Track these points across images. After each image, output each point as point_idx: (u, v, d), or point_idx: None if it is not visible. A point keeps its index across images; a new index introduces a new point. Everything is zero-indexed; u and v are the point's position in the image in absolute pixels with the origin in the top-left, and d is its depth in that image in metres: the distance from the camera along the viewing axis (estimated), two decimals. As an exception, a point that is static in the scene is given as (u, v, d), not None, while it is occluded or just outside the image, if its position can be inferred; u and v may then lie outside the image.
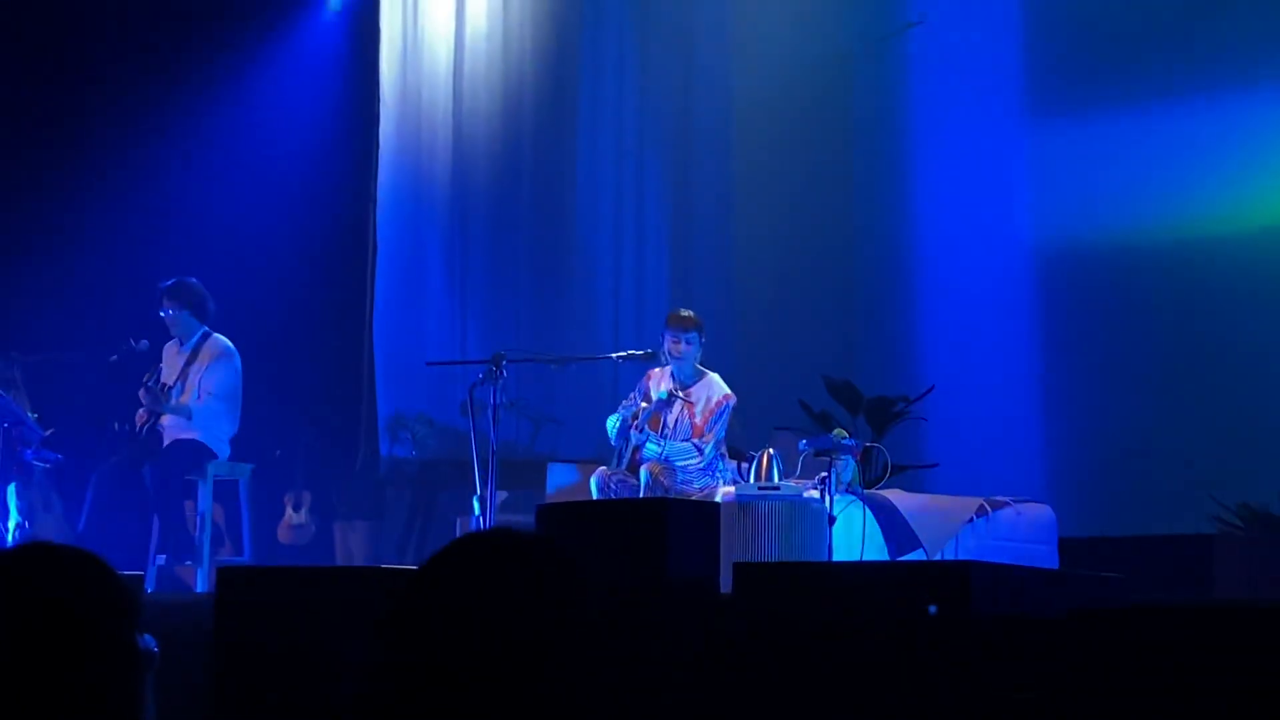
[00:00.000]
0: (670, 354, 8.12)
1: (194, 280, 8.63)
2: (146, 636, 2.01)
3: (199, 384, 8.41)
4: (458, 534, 9.34)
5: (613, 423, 8.22)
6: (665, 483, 7.77)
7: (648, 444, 7.97)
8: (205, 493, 8.40)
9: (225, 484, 8.65)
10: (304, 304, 11.43)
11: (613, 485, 7.91)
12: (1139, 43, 9.39)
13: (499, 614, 1.81)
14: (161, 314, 8.55)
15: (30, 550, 1.99)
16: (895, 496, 7.55)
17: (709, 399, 8.10)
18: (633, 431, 8.05)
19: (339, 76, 11.85)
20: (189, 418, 8.34)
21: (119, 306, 10.91)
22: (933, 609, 4.66)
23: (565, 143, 11.21)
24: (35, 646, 1.89)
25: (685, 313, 8.27)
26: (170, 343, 8.65)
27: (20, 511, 8.62)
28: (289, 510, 10.66)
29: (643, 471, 7.86)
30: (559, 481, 8.70)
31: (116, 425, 8.83)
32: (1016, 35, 9.89)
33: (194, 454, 8.36)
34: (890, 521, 7.35)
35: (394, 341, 11.23)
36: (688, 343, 8.10)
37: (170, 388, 8.39)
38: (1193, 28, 9.22)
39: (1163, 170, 9.32)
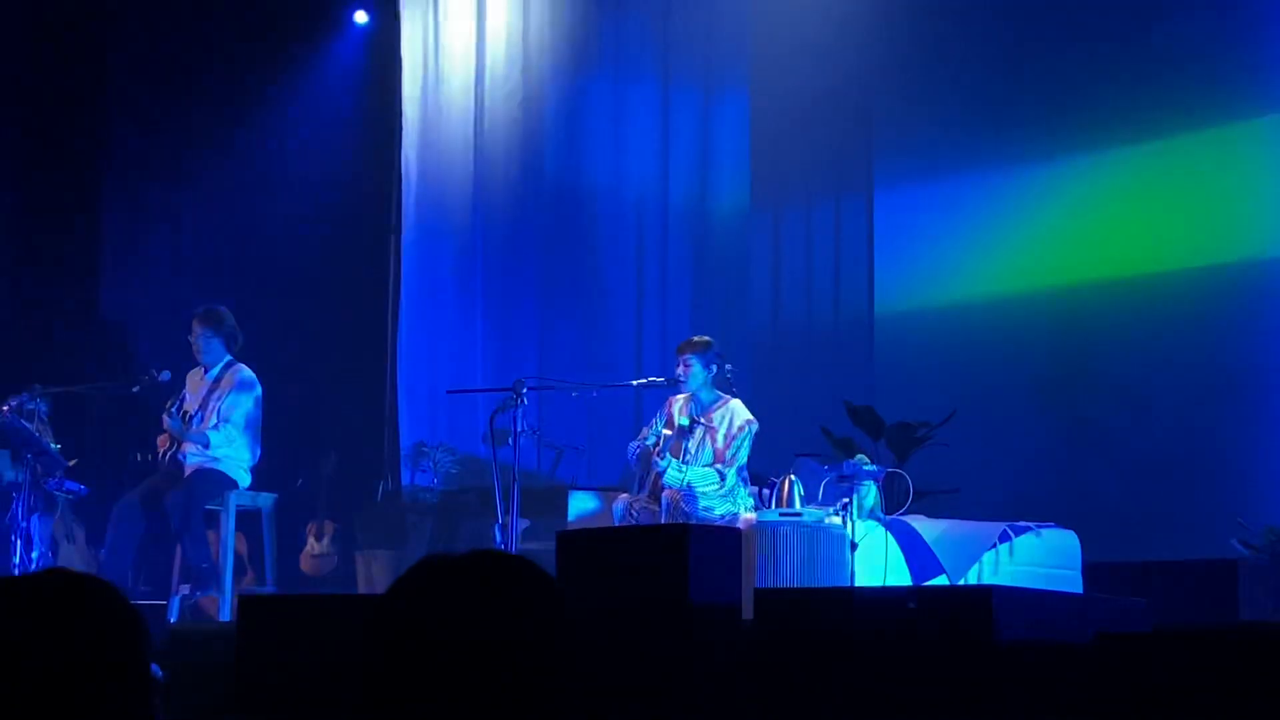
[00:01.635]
0: (678, 379, 8.20)
1: (225, 309, 8.65)
2: (153, 665, 2.02)
3: (218, 412, 8.44)
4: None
5: (634, 449, 8.23)
6: (686, 509, 7.77)
7: (670, 470, 7.97)
8: (228, 522, 8.41)
9: (248, 513, 8.66)
10: (326, 332, 11.46)
11: (634, 512, 7.91)
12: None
13: (467, 634, 1.79)
14: (190, 339, 8.58)
15: (43, 578, 2.00)
16: (918, 522, 7.53)
17: (731, 425, 8.10)
18: (655, 458, 8.06)
19: (361, 104, 11.90)
20: (206, 445, 8.35)
21: (141, 338, 10.95)
22: (911, 604, 4.65)
23: (586, 167, 11.22)
24: (47, 673, 1.90)
25: (692, 338, 8.35)
26: (194, 370, 8.68)
27: (43, 542, 8.64)
28: (311, 540, 10.66)
29: (664, 498, 7.86)
30: (580, 509, 8.69)
31: (138, 456, 8.85)
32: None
33: (216, 483, 8.37)
34: (913, 547, 7.33)
35: (415, 370, 11.25)
36: (686, 365, 8.16)
37: (192, 416, 8.41)
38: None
39: (1177, 200, 9.30)
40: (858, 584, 6.88)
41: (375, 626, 1.84)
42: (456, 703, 1.77)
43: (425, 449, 10.86)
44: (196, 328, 8.55)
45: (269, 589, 8.69)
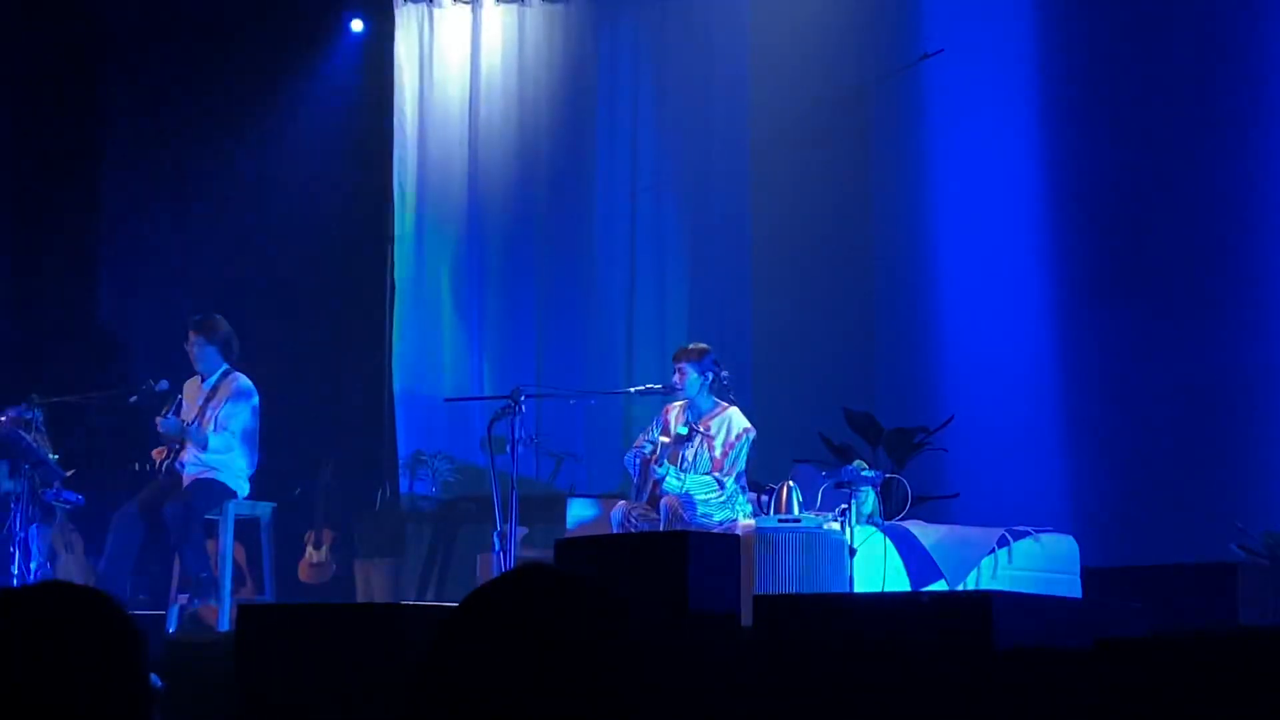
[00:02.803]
0: (675, 386, 8.21)
1: (220, 317, 8.66)
2: (151, 675, 2.02)
3: (216, 420, 8.44)
4: (478, 570, 9.33)
5: (631, 457, 8.24)
6: (685, 516, 7.77)
7: (668, 478, 7.97)
8: (226, 532, 8.40)
9: (246, 523, 8.66)
10: (324, 341, 11.46)
11: (633, 519, 7.91)
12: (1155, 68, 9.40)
13: (546, 655, 1.79)
14: (186, 347, 8.58)
15: (40, 589, 2.01)
16: (916, 528, 7.53)
17: (728, 432, 8.10)
18: (653, 465, 8.06)
19: (357, 113, 11.89)
20: (204, 446, 8.34)
21: (139, 348, 10.95)
22: (924, 598, 4.64)
23: (582, 177, 11.23)
24: (46, 685, 1.90)
25: (687, 345, 8.36)
26: (191, 380, 8.68)
27: (41, 552, 8.63)
28: (310, 549, 10.66)
29: (662, 505, 7.86)
30: (579, 516, 8.69)
31: (136, 466, 8.85)
32: (1031, 63, 9.89)
33: (214, 493, 8.37)
34: (911, 553, 7.33)
35: (413, 379, 11.24)
36: (681, 373, 8.17)
37: (189, 424, 8.41)
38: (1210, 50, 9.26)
39: (1179, 198, 9.31)
40: (856, 590, 6.88)
41: (449, 643, 1.82)
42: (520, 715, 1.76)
43: (424, 457, 10.86)
44: (191, 336, 8.56)
45: (267, 598, 8.68)
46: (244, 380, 8.59)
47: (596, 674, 1.79)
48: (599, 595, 1.85)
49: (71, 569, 9.31)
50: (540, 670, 1.77)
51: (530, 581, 1.86)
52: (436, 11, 11.60)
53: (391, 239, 11.47)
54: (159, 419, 8.37)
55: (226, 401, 8.49)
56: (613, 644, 1.82)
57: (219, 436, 8.38)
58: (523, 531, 8.62)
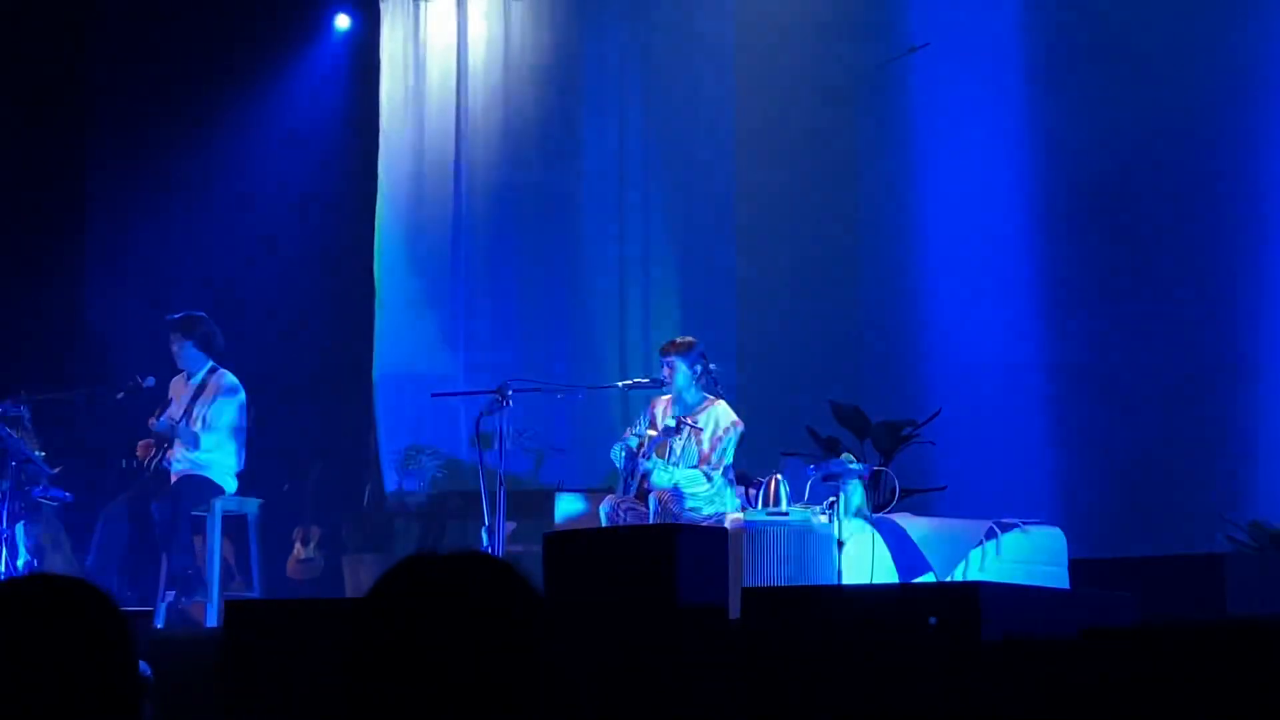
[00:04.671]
0: (663, 380, 8.21)
1: (203, 314, 8.67)
2: (141, 663, 2.02)
3: (204, 418, 8.43)
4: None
5: (618, 450, 8.23)
6: (674, 509, 7.77)
7: (656, 471, 7.97)
8: (213, 528, 8.39)
9: (233, 519, 8.65)
10: (310, 338, 11.44)
11: (622, 513, 7.91)
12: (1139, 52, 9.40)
13: (447, 636, 1.78)
14: (170, 347, 8.58)
15: (25, 581, 2.01)
16: (904, 520, 7.53)
17: (716, 426, 8.10)
18: (641, 459, 8.06)
19: (343, 110, 11.87)
20: (195, 445, 8.34)
21: (125, 345, 10.92)
22: (933, 620, 4.65)
23: (568, 171, 11.22)
24: (34, 674, 1.90)
25: (675, 339, 8.36)
26: (177, 377, 8.67)
27: (28, 550, 8.62)
28: (297, 545, 10.65)
29: (651, 499, 7.86)
30: (567, 511, 8.69)
31: (124, 463, 8.84)
32: (1018, 57, 9.90)
33: (202, 489, 8.37)
34: (899, 545, 7.33)
35: (400, 374, 11.23)
36: (669, 367, 8.18)
37: (177, 422, 8.41)
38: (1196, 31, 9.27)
39: (1165, 191, 9.32)
40: (845, 582, 6.88)
41: (358, 627, 1.83)
42: (438, 705, 1.76)
43: (411, 453, 10.84)
44: (173, 335, 8.56)
45: (255, 594, 8.67)
46: (230, 377, 8.59)
47: (494, 653, 1.78)
48: (494, 576, 1.84)
49: (59, 566, 9.28)
50: (446, 657, 1.77)
51: (418, 568, 1.86)
52: (422, 6, 11.59)
53: (377, 231, 11.44)
54: (152, 420, 8.37)
55: (215, 399, 8.49)
56: (506, 623, 1.81)
57: (210, 435, 8.38)
58: (511, 526, 8.62)
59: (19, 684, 1.89)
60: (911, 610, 4.87)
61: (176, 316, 8.63)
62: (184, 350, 8.54)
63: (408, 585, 1.84)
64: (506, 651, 1.78)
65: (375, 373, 11.21)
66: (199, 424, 8.42)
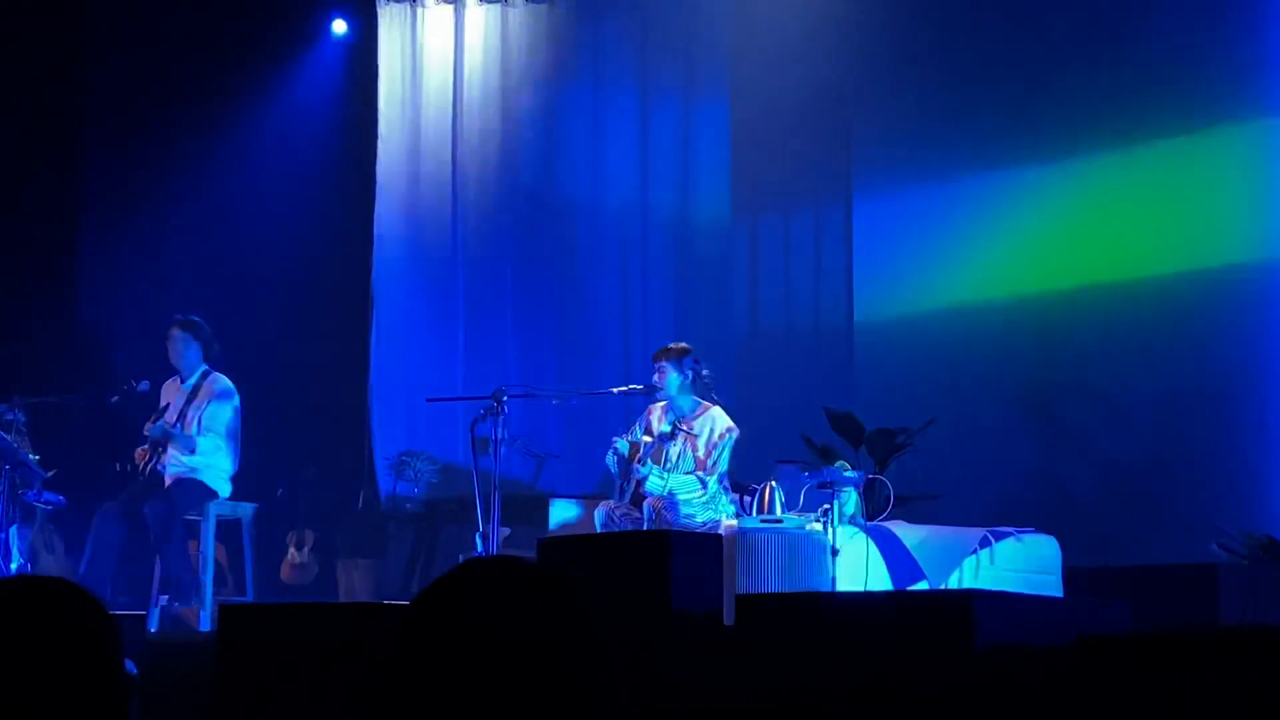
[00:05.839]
0: (656, 386, 8.22)
1: (200, 319, 8.67)
2: (126, 662, 2.02)
3: (199, 421, 8.43)
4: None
5: (611, 456, 8.23)
6: (668, 516, 7.77)
7: (651, 477, 7.97)
8: (208, 532, 8.39)
9: (228, 524, 8.64)
10: (306, 342, 11.43)
11: (616, 519, 7.91)
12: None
13: (504, 643, 1.79)
14: (168, 346, 8.58)
15: (13, 582, 2.02)
16: (898, 528, 7.53)
17: (712, 432, 8.10)
18: (635, 465, 8.06)
19: (340, 115, 11.87)
20: (192, 450, 8.34)
21: (119, 348, 10.92)
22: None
23: (564, 176, 11.23)
24: (21, 675, 1.90)
25: (668, 345, 8.37)
26: (169, 381, 8.67)
27: (22, 553, 8.61)
28: (291, 549, 10.64)
29: (646, 505, 7.86)
30: (561, 517, 8.69)
31: (118, 466, 8.83)
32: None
33: (197, 493, 8.36)
34: (894, 553, 7.34)
35: (395, 379, 11.23)
36: (660, 372, 8.18)
37: (172, 426, 8.40)
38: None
39: (1154, 206, 9.33)
40: (839, 590, 6.88)
41: (411, 628, 1.83)
42: (486, 707, 1.76)
43: (406, 458, 10.84)
44: (174, 333, 8.56)
45: (248, 599, 8.66)
46: (225, 380, 8.60)
47: (556, 663, 1.79)
48: (554, 584, 1.85)
49: (52, 570, 9.27)
50: (499, 662, 1.78)
51: (482, 574, 1.86)
52: (420, 11, 11.59)
53: (373, 239, 11.45)
54: (147, 426, 8.37)
55: (209, 402, 8.48)
56: (570, 632, 1.82)
57: (206, 439, 8.38)
58: (505, 532, 8.61)
59: (6, 685, 1.89)
60: (905, 618, 4.87)
61: (180, 317, 8.64)
62: (187, 351, 8.54)
63: (462, 587, 1.84)
64: (557, 664, 1.79)
65: (371, 377, 11.20)
66: (193, 427, 8.42)
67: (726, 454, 8.09)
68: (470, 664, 1.78)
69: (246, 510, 8.68)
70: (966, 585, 7.16)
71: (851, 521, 7.44)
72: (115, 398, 8.75)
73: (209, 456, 8.40)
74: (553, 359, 10.89)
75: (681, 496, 7.93)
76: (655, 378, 8.24)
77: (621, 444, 8.21)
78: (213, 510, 8.40)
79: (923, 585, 7.19)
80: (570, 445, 10.57)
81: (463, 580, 1.87)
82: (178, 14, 11.41)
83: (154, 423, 8.38)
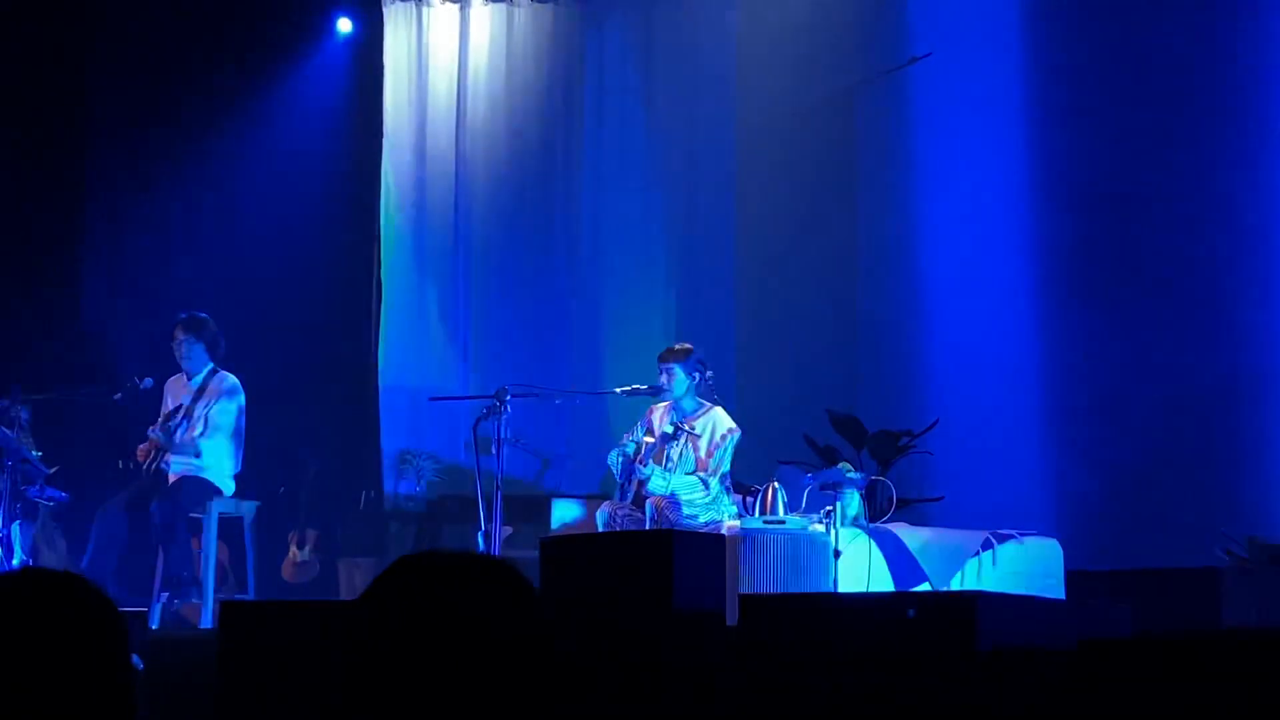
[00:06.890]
0: (661, 387, 8.22)
1: (207, 316, 8.66)
2: (133, 656, 2.02)
3: (206, 419, 8.43)
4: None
5: (614, 456, 8.23)
6: (670, 516, 7.76)
7: (653, 478, 7.97)
8: (210, 530, 8.38)
9: (230, 521, 8.63)
10: (309, 341, 11.42)
11: (619, 519, 7.91)
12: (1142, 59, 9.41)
13: (446, 637, 1.79)
14: (173, 345, 8.57)
15: (17, 576, 2.02)
16: (901, 530, 7.53)
17: (714, 432, 8.10)
18: (637, 465, 8.05)
19: (345, 113, 11.86)
20: (197, 454, 8.35)
21: (123, 345, 10.91)
22: (911, 612, 4.65)
23: (568, 177, 11.23)
24: (26, 669, 1.90)
25: (673, 346, 8.36)
26: (174, 377, 8.66)
27: (24, 549, 8.61)
28: (293, 548, 10.64)
29: (649, 505, 7.86)
30: (563, 516, 8.68)
31: (121, 463, 8.83)
32: (1018, 66, 9.90)
33: (200, 491, 8.36)
34: (896, 555, 7.34)
35: (398, 378, 11.23)
36: (667, 374, 8.18)
37: (177, 424, 8.40)
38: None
39: (1165, 202, 9.32)
40: (841, 592, 6.88)
41: (355, 626, 1.84)
42: (435, 703, 1.77)
43: (409, 457, 10.84)
44: (179, 334, 8.55)
45: (250, 597, 8.66)
46: (231, 379, 8.59)
47: (495, 645, 1.79)
48: (489, 571, 1.85)
49: (54, 566, 9.27)
50: (441, 652, 1.78)
51: (417, 568, 1.87)
52: (425, 11, 11.59)
53: (378, 238, 11.45)
54: (151, 429, 8.38)
55: (217, 400, 8.48)
56: (510, 617, 1.82)
57: (209, 440, 8.38)
58: (507, 531, 8.61)
59: (11, 679, 1.89)
60: (908, 620, 4.87)
61: (185, 316, 8.62)
62: (192, 350, 8.53)
63: (406, 584, 1.85)
64: (505, 649, 1.79)
65: (380, 377, 11.20)
66: (200, 425, 8.42)
67: (728, 455, 8.08)
68: (413, 657, 1.79)
69: (249, 508, 8.68)
70: (969, 587, 7.16)
71: (854, 523, 7.44)
72: (118, 395, 8.74)
73: (212, 455, 8.41)
74: (556, 358, 10.89)
75: (684, 497, 7.92)
76: (662, 379, 8.21)
77: (629, 445, 8.22)
78: (215, 508, 8.40)
79: (925, 587, 7.19)
80: (573, 445, 10.57)
81: (396, 577, 1.87)
82: (183, 12, 11.41)
83: (158, 427, 8.37)
